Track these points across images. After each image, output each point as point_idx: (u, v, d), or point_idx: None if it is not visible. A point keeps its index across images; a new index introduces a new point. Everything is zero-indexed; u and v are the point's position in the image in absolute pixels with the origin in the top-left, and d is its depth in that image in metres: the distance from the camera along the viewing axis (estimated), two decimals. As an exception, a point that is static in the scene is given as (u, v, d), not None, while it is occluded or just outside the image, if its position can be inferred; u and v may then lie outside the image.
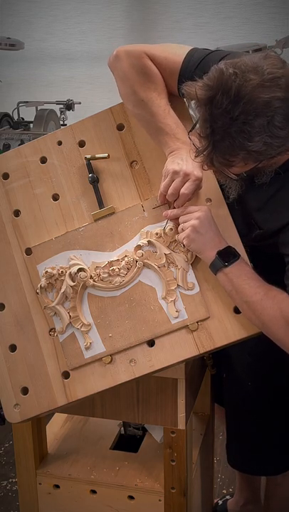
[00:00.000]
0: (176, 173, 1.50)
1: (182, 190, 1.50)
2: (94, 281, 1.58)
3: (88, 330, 1.57)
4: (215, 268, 1.48)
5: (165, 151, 1.56)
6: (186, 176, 1.50)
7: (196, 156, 1.40)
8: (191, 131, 1.43)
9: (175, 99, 1.60)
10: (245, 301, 1.45)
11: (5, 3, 5.52)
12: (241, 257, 1.49)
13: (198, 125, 1.39)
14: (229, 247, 1.48)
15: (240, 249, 1.52)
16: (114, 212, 1.62)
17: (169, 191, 1.51)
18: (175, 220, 1.54)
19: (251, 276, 1.46)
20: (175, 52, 1.58)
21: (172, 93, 1.60)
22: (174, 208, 1.54)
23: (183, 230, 1.51)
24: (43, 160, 1.68)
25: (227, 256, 1.47)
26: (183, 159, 1.52)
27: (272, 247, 1.53)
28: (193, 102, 1.38)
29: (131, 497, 1.77)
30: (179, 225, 1.53)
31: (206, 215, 1.49)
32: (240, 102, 1.28)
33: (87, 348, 1.57)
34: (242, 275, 1.46)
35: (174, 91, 1.59)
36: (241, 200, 1.54)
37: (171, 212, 1.54)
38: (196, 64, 1.53)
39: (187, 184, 1.50)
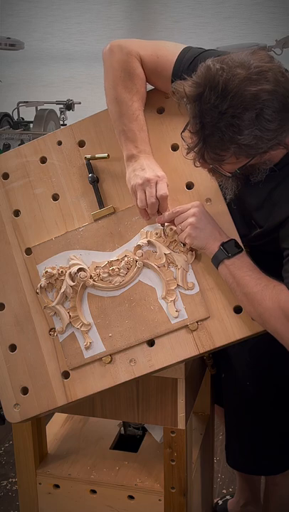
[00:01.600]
0: (141, 184, 1.51)
1: (158, 194, 1.51)
2: (94, 281, 1.58)
3: (88, 330, 1.57)
4: (217, 260, 1.49)
5: (123, 154, 1.58)
6: (150, 182, 1.51)
7: (187, 153, 1.41)
8: (183, 131, 1.44)
9: (173, 99, 1.60)
10: (245, 293, 1.45)
11: (5, 3, 5.53)
12: (244, 251, 1.49)
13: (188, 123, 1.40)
14: (233, 239, 1.49)
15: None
16: (114, 212, 1.62)
17: (149, 201, 1.52)
18: (170, 222, 1.55)
19: (253, 269, 1.46)
20: (169, 49, 1.59)
21: (165, 91, 1.61)
22: (161, 213, 1.54)
23: (182, 231, 1.51)
24: (43, 160, 1.68)
25: (230, 248, 1.48)
26: (142, 168, 1.53)
27: (271, 245, 1.54)
28: (183, 100, 1.39)
29: (131, 497, 1.77)
30: (175, 227, 1.53)
31: (200, 210, 1.50)
32: (228, 96, 1.29)
33: (87, 348, 1.57)
34: (244, 267, 1.46)
35: (167, 89, 1.59)
36: (239, 200, 1.55)
37: (162, 217, 1.54)
38: (188, 63, 1.53)
39: (159, 186, 1.52)
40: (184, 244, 1.54)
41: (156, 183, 1.51)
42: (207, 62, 1.34)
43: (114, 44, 1.62)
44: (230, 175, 1.43)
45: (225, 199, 1.55)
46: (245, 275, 1.45)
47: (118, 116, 1.57)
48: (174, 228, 1.55)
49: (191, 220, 1.49)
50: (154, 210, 1.54)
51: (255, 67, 1.30)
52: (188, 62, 1.53)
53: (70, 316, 1.58)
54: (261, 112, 1.30)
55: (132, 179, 1.53)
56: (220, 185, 1.54)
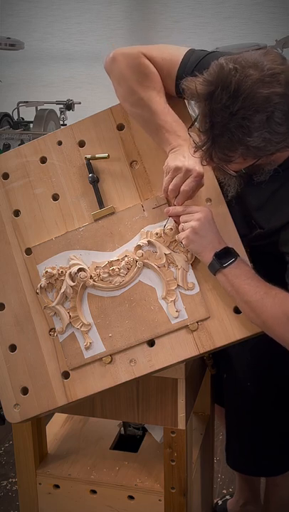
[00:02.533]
0: (178, 169, 1.50)
1: (182, 187, 1.50)
2: (94, 281, 1.58)
3: (88, 330, 1.57)
4: (213, 269, 1.48)
5: (166, 149, 1.56)
6: (188, 172, 1.49)
7: (195, 151, 1.40)
8: (190, 127, 1.43)
9: (173, 100, 1.60)
10: (246, 301, 1.45)
11: (5, 3, 5.52)
12: (239, 257, 1.48)
13: (197, 121, 1.39)
14: (227, 247, 1.48)
15: (240, 248, 1.52)
16: (114, 212, 1.62)
17: (170, 187, 1.51)
18: (176, 218, 1.54)
19: (250, 276, 1.46)
20: (172, 53, 1.58)
21: (169, 94, 1.60)
22: (175, 205, 1.54)
23: (183, 230, 1.51)
24: (43, 160, 1.68)
25: (224, 257, 1.47)
26: (185, 156, 1.51)
27: (272, 246, 1.53)
28: (193, 99, 1.38)
29: (131, 497, 1.77)
30: (179, 223, 1.52)
31: (206, 217, 1.49)
32: (240, 97, 1.29)
33: (87, 348, 1.57)
34: (241, 275, 1.46)
35: (172, 92, 1.59)
36: (240, 198, 1.54)
37: (172, 209, 1.53)
38: (194, 65, 1.53)
39: (188, 181, 1.50)
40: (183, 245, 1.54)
41: (189, 177, 1.49)
42: (220, 61, 1.33)
43: (117, 53, 1.60)
44: (235, 174, 1.42)
45: (226, 196, 1.55)
46: (243, 284, 1.45)
47: (149, 114, 1.56)
48: (174, 229, 1.54)
49: (193, 223, 1.48)
50: (171, 196, 1.53)
51: (268, 69, 1.30)
52: (193, 65, 1.52)
53: (70, 316, 1.58)
54: (272, 115, 1.30)
55: (171, 161, 1.52)
56: (222, 183, 1.53)
